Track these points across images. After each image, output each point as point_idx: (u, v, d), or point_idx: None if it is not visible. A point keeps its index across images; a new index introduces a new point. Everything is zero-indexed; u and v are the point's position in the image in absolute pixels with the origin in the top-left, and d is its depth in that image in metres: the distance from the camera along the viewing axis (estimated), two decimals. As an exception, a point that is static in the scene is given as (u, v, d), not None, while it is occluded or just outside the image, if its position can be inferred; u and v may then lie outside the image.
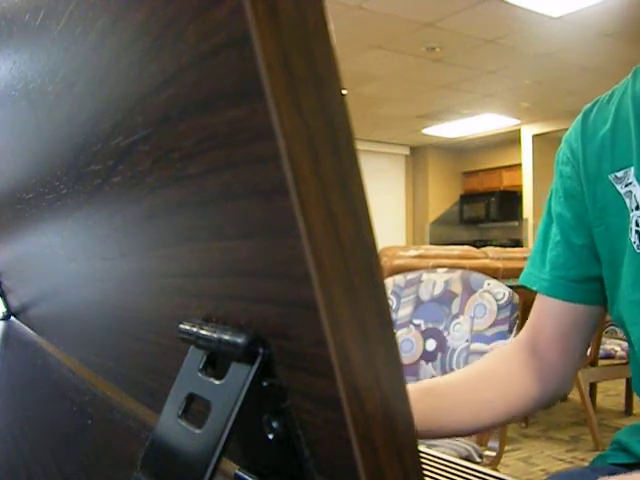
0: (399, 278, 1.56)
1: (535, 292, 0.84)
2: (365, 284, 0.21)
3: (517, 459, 2.96)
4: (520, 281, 0.86)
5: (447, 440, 1.40)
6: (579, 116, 0.82)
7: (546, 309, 0.82)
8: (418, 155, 10.03)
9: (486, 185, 9.99)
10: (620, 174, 0.73)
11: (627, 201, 0.73)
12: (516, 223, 9.31)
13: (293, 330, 0.23)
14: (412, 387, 0.77)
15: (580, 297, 0.80)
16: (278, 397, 0.25)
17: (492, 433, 1.45)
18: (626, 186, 0.73)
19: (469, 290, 1.42)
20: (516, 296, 1.35)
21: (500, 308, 1.35)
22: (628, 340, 0.76)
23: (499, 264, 3.59)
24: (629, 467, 0.76)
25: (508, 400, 0.80)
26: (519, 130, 8.50)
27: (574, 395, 3.65)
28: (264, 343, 0.25)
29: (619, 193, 0.74)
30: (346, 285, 0.20)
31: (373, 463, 0.22)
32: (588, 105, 0.82)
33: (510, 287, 1.37)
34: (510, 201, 9.53)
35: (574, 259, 0.80)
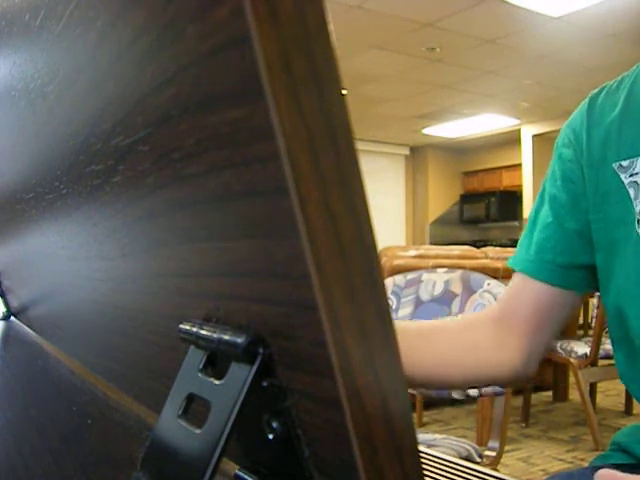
0: (399, 278, 1.56)
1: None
2: (365, 284, 0.21)
3: (517, 459, 2.96)
4: (508, 264, 0.85)
5: (447, 440, 1.40)
6: (585, 101, 0.80)
7: (525, 288, 0.81)
8: (418, 155, 10.03)
9: (486, 185, 10.00)
10: (625, 163, 0.72)
11: (631, 191, 0.71)
12: (516, 223, 9.32)
13: (293, 330, 0.23)
14: None
15: (564, 282, 0.78)
16: (278, 397, 0.25)
17: (492, 433, 1.45)
18: (631, 176, 0.71)
19: (469, 290, 1.42)
20: (516, 296, 1.35)
21: (500, 308, 1.35)
22: (621, 336, 0.75)
23: (499, 264, 3.59)
24: (629, 468, 0.76)
25: (472, 365, 0.79)
26: (519, 130, 8.50)
27: (574, 395, 3.66)
28: (264, 343, 0.25)
29: (622, 182, 0.72)
30: (346, 285, 0.20)
31: (373, 463, 0.22)
32: (595, 91, 0.80)
33: (510, 287, 1.37)
34: (510, 201, 9.54)
35: (564, 243, 0.78)
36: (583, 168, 0.77)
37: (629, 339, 0.73)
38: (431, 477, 0.57)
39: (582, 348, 3.13)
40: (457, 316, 0.88)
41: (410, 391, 0.86)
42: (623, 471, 0.76)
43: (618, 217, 0.73)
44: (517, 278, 0.83)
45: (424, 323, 0.83)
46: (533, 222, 0.83)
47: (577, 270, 0.78)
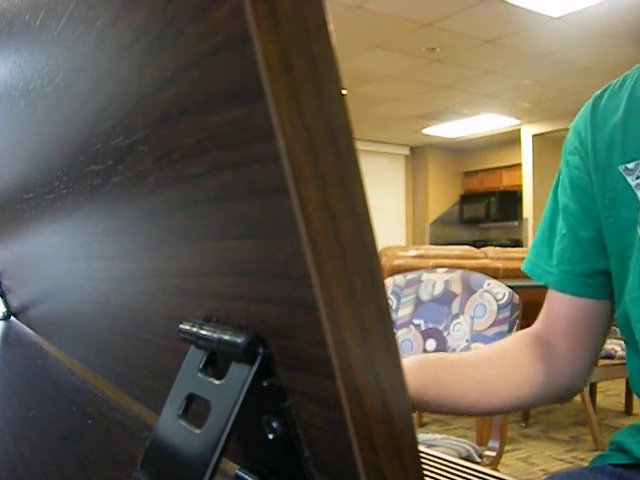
0: (399, 278, 1.56)
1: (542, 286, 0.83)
2: (365, 284, 0.21)
3: (517, 459, 2.96)
4: (523, 269, 0.84)
5: (447, 440, 1.40)
6: (588, 102, 0.79)
7: (556, 303, 0.81)
8: (418, 155, 10.03)
9: (486, 185, 10.00)
10: (631, 165, 0.71)
11: (638, 194, 0.70)
12: (516, 223, 9.32)
13: (293, 330, 0.23)
14: (421, 358, 0.75)
15: (589, 291, 0.78)
16: (278, 397, 0.25)
17: (492, 433, 1.45)
18: (637, 178, 0.71)
19: (469, 290, 1.42)
20: (516, 296, 1.35)
21: (500, 308, 1.35)
22: (630, 338, 0.75)
23: (499, 264, 3.59)
24: (628, 468, 0.76)
25: (516, 386, 0.78)
26: (519, 130, 8.50)
27: (574, 395, 3.66)
28: (264, 343, 0.25)
29: (629, 185, 0.71)
30: (346, 285, 0.20)
31: (373, 463, 0.22)
32: (598, 92, 0.79)
33: (510, 287, 1.37)
34: (510, 201, 9.54)
35: (581, 253, 0.78)
36: (590, 173, 0.76)
37: (634, 341, 0.73)
38: (431, 477, 0.57)
39: (582, 348, 3.12)
40: (497, 342, 0.87)
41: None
42: (621, 471, 0.76)
43: (627, 220, 0.72)
44: (549, 292, 0.82)
45: (470, 353, 0.81)
46: (550, 228, 0.82)
47: (598, 276, 0.78)
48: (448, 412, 0.85)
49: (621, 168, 0.72)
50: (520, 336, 0.84)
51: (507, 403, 0.79)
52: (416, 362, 0.76)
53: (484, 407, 0.80)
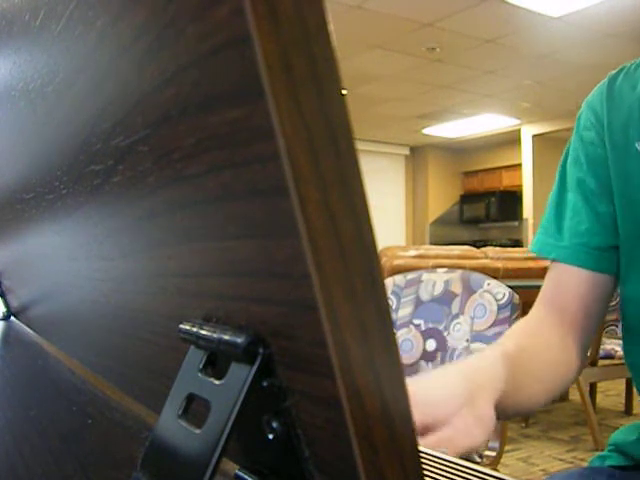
0: (399, 278, 1.56)
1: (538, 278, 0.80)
2: (365, 284, 0.21)
3: (517, 459, 2.96)
4: (531, 250, 0.81)
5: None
6: (604, 81, 0.78)
7: (567, 281, 0.77)
8: (418, 155, 10.03)
9: (486, 185, 10.00)
10: None
11: None
12: (516, 223, 9.33)
13: (293, 330, 0.23)
14: (501, 350, 0.68)
15: (602, 265, 0.76)
16: (278, 397, 0.25)
17: (492, 433, 1.44)
18: None
19: (469, 290, 1.42)
20: (516, 296, 1.35)
21: (500, 308, 1.35)
22: (635, 326, 0.74)
23: (499, 264, 3.59)
24: (627, 470, 0.76)
25: (565, 371, 0.75)
26: (519, 130, 8.51)
27: (574, 395, 3.66)
28: (264, 343, 0.25)
29: None
30: (346, 285, 0.20)
31: (373, 463, 0.22)
32: (613, 72, 0.79)
33: (510, 287, 1.37)
34: (510, 201, 9.55)
35: (598, 226, 0.76)
36: (607, 148, 0.75)
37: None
38: (431, 477, 0.57)
39: (582, 348, 3.12)
40: (521, 332, 0.79)
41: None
42: (620, 472, 0.76)
43: None
44: (554, 271, 0.79)
45: (516, 355, 0.70)
46: (557, 206, 0.80)
47: (611, 251, 0.76)
48: (510, 416, 0.79)
49: (638, 146, 0.71)
50: (544, 326, 0.78)
51: (552, 392, 0.76)
52: (505, 357, 0.66)
53: (541, 401, 0.75)
